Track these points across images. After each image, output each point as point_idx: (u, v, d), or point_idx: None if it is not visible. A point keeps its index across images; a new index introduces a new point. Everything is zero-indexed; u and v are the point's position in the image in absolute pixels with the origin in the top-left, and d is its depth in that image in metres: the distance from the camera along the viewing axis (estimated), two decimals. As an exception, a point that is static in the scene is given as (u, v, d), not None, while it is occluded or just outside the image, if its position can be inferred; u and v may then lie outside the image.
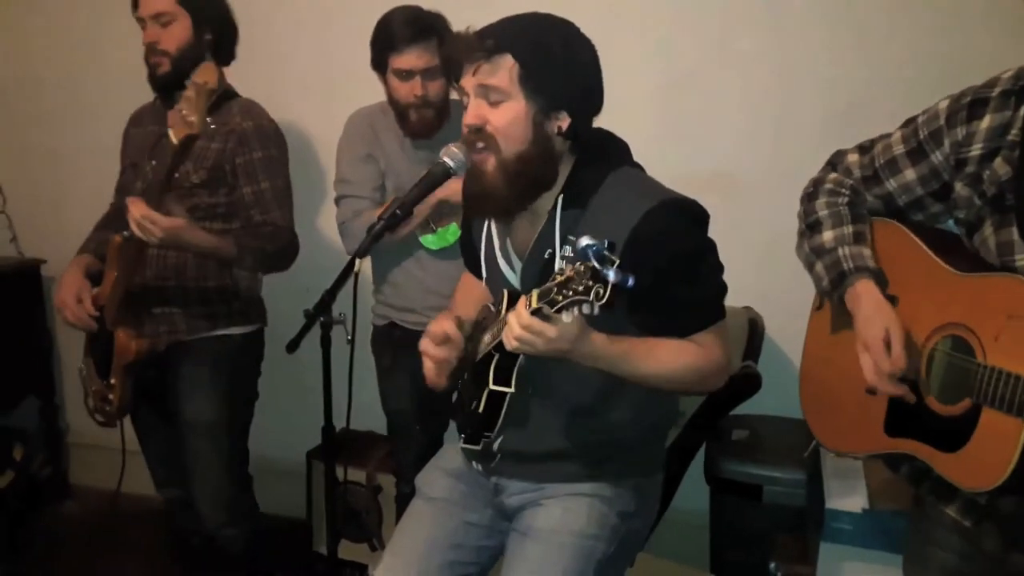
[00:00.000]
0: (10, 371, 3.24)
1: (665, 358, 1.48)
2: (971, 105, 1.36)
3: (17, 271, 3.28)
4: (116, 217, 2.39)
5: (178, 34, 2.18)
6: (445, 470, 1.75)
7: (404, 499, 2.53)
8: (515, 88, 1.44)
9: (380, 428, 2.84)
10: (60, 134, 3.27)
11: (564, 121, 1.48)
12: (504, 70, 1.44)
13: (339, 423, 1.87)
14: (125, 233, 2.11)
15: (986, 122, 1.33)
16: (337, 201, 2.33)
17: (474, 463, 1.69)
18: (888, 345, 1.40)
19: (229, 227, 2.24)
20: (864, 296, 1.45)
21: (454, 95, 2.25)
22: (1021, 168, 1.29)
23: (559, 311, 1.30)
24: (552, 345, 1.35)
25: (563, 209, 1.51)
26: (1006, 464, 1.25)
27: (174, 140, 1.92)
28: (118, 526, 3.03)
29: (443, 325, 1.59)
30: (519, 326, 1.34)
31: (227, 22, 2.28)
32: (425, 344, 1.60)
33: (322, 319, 1.68)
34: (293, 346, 1.76)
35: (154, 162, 2.24)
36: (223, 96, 2.28)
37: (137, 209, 1.98)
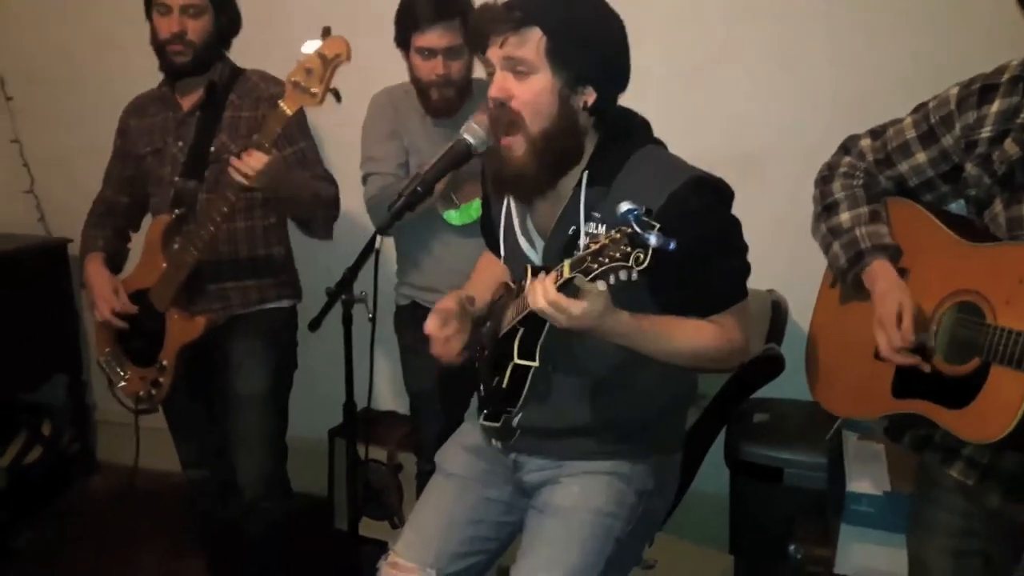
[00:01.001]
0: (38, 349, 3.30)
1: (686, 336, 1.48)
2: (981, 91, 1.45)
3: (44, 250, 3.34)
4: (112, 210, 2.43)
5: (204, 26, 2.21)
6: (465, 446, 1.76)
7: (425, 477, 2.53)
8: (542, 61, 1.44)
9: (401, 408, 2.87)
10: (90, 119, 3.28)
11: (590, 96, 1.47)
12: (532, 42, 1.43)
13: (360, 402, 1.88)
14: (177, 211, 2.16)
15: (996, 106, 1.42)
16: (364, 179, 2.35)
17: (493, 441, 1.69)
18: (900, 320, 1.47)
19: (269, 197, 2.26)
20: (880, 274, 1.53)
21: (476, 73, 2.26)
22: None
23: (594, 280, 1.29)
24: (575, 322, 1.35)
25: (588, 186, 1.51)
26: (1013, 415, 1.32)
27: (287, 111, 1.92)
28: (141, 504, 3.08)
29: (446, 302, 1.60)
30: (543, 300, 1.33)
31: (237, 15, 2.31)
32: (429, 325, 1.61)
33: (344, 297, 1.69)
34: (316, 324, 1.76)
35: (181, 143, 2.27)
36: (235, 71, 2.32)
37: (255, 160, 1.96)
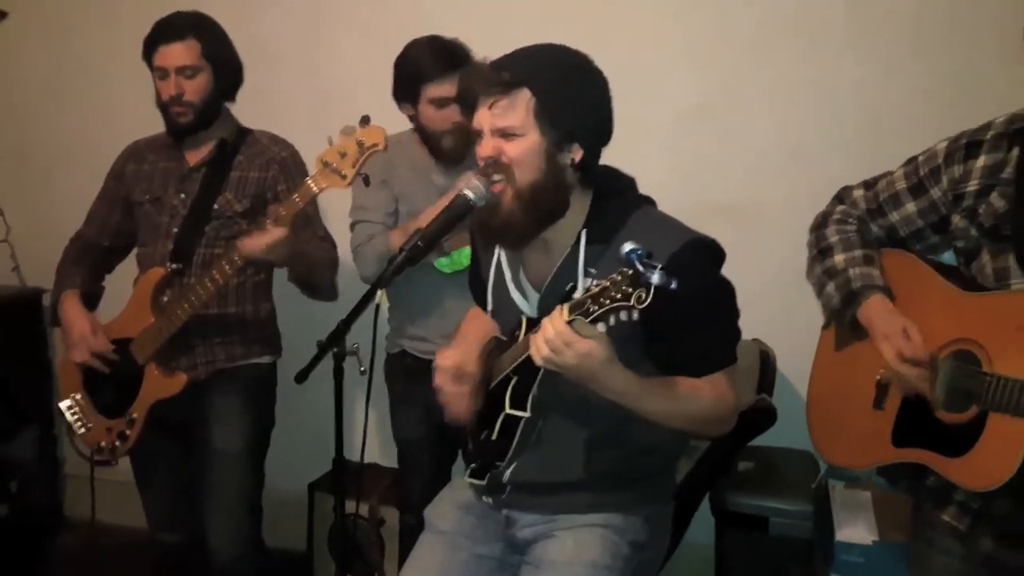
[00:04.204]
0: (9, 401, 3.22)
1: (682, 399, 1.48)
2: (967, 146, 1.50)
3: (18, 300, 3.29)
4: (90, 250, 2.41)
5: (202, 85, 2.22)
6: (455, 503, 1.74)
7: (409, 530, 2.52)
8: (530, 122, 1.46)
9: (383, 461, 2.84)
10: (63, 165, 3.29)
11: (577, 153, 1.50)
12: (520, 105, 1.46)
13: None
14: (172, 266, 2.15)
15: (981, 161, 1.47)
16: (352, 226, 2.37)
17: (484, 497, 1.68)
18: (907, 335, 1.50)
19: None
20: (876, 307, 1.56)
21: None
22: (1016, 202, 1.42)
23: (594, 321, 1.30)
24: (580, 361, 1.33)
25: (587, 244, 1.52)
26: (1012, 463, 1.34)
27: (314, 188, 1.95)
28: (105, 562, 2.98)
29: (454, 358, 1.60)
30: (552, 330, 1.33)
31: (238, 67, 2.33)
32: (442, 379, 1.60)
33: (335, 350, 1.67)
34: (303, 376, 1.74)
35: (184, 195, 2.26)
36: (242, 130, 2.33)
37: (271, 235, 1.98)
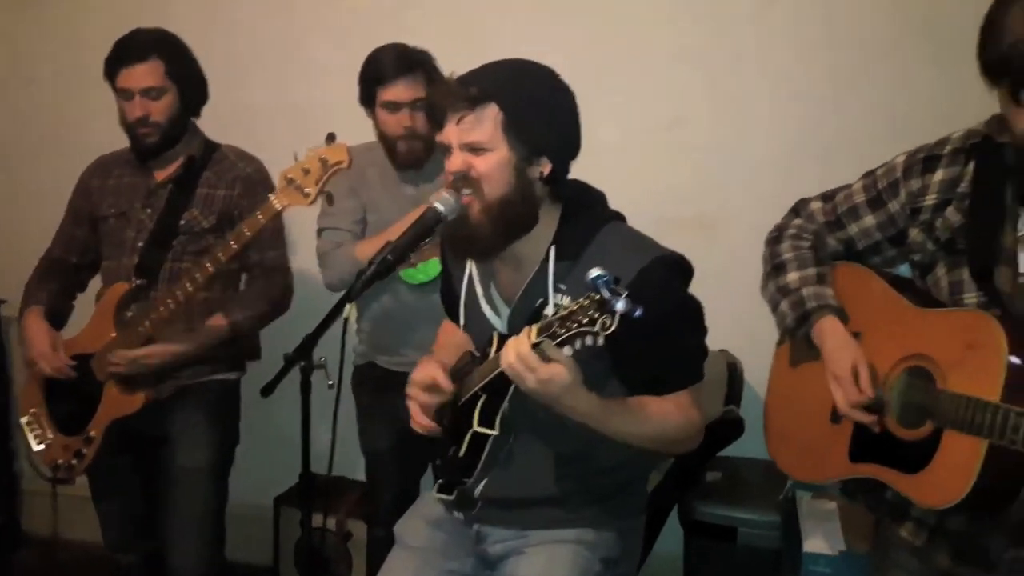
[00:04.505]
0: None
1: (649, 420, 1.49)
2: (925, 160, 1.51)
3: (-26, 311, 3.20)
4: (57, 268, 2.37)
5: (168, 106, 2.19)
6: (425, 518, 1.72)
7: (376, 543, 2.49)
8: (498, 137, 1.46)
9: (350, 474, 2.81)
10: (22, 178, 3.23)
11: (545, 167, 1.50)
12: (488, 120, 1.45)
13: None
14: (137, 280, 2.13)
15: (939, 175, 1.48)
16: (319, 233, 2.35)
17: (455, 512, 1.67)
18: (856, 376, 1.49)
19: (227, 268, 2.23)
20: (829, 332, 1.55)
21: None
22: (971, 216, 1.43)
23: (561, 344, 1.30)
24: (542, 387, 1.34)
25: (556, 260, 1.52)
26: (967, 481, 1.33)
27: (277, 206, 1.93)
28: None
29: (431, 371, 1.58)
30: (515, 354, 1.33)
31: (203, 83, 2.30)
32: (414, 391, 1.59)
33: (302, 363, 1.65)
34: (269, 390, 1.71)
35: (150, 210, 2.23)
36: (209, 145, 2.31)
37: (120, 355, 2.09)
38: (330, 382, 1.64)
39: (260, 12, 2.98)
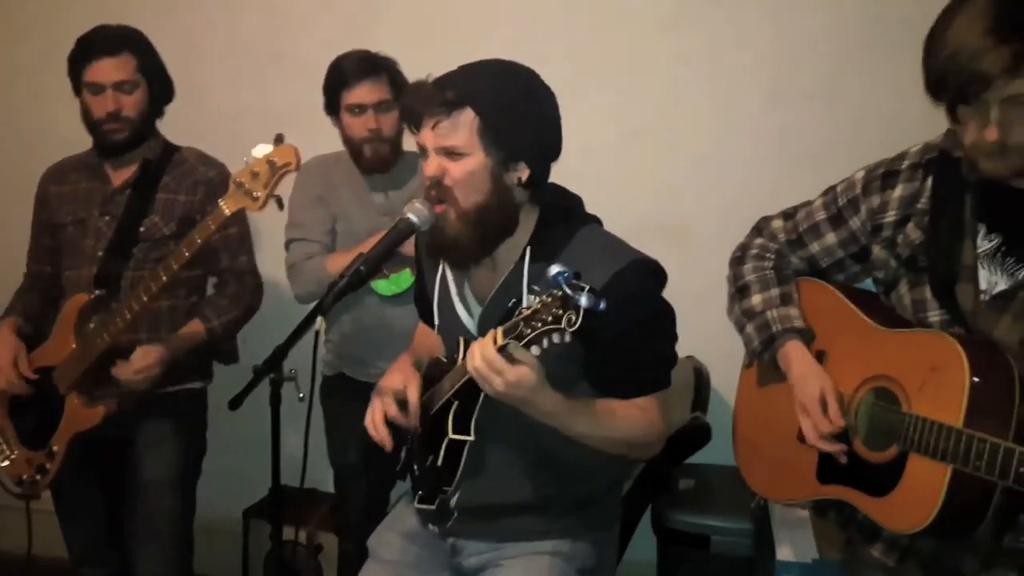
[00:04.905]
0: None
1: (614, 423, 1.48)
2: (884, 176, 1.49)
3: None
4: (37, 282, 2.33)
5: (139, 100, 2.17)
6: (399, 531, 1.70)
7: (347, 557, 2.46)
8: (475, 142, 1.44)
9: (320, 486, 2.77)
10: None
11: (523, 172, 1.48)
12: (464, 125, 1.43)
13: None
14: (96, 292, 2.09)
15: (898, 191, 1.47)
16: (287, 244, 2.32)
17: (430, 525, 1.64)
18: (824, 405, 1.48)
19: (192, 274, 2.22)
20: (794, 357, 1.54)
21: (408, 145, 2.27)
22: (931, 233, 1.42)
23: (527, 345, 1.29)
24: (508, 390, 1.33)
25: (531, 262, 1.51)
26: (932, 506, 1.32)
27: (226, 211, 1.87)
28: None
29: (408, 392, 1.56)
30: (481, 358, 1.32)
31: (170, 82, 2.28)
32: (386, 400, 1.57)
33: (272, 375, 1.62)
34: (237, 403, 1.69)
35: (108, 217, 2.20)
36: (168, 148, 2.27)
37: (122, 372, 2.05)
38: (300, 395, 1.62)
39: (240, 9, 2.93)
